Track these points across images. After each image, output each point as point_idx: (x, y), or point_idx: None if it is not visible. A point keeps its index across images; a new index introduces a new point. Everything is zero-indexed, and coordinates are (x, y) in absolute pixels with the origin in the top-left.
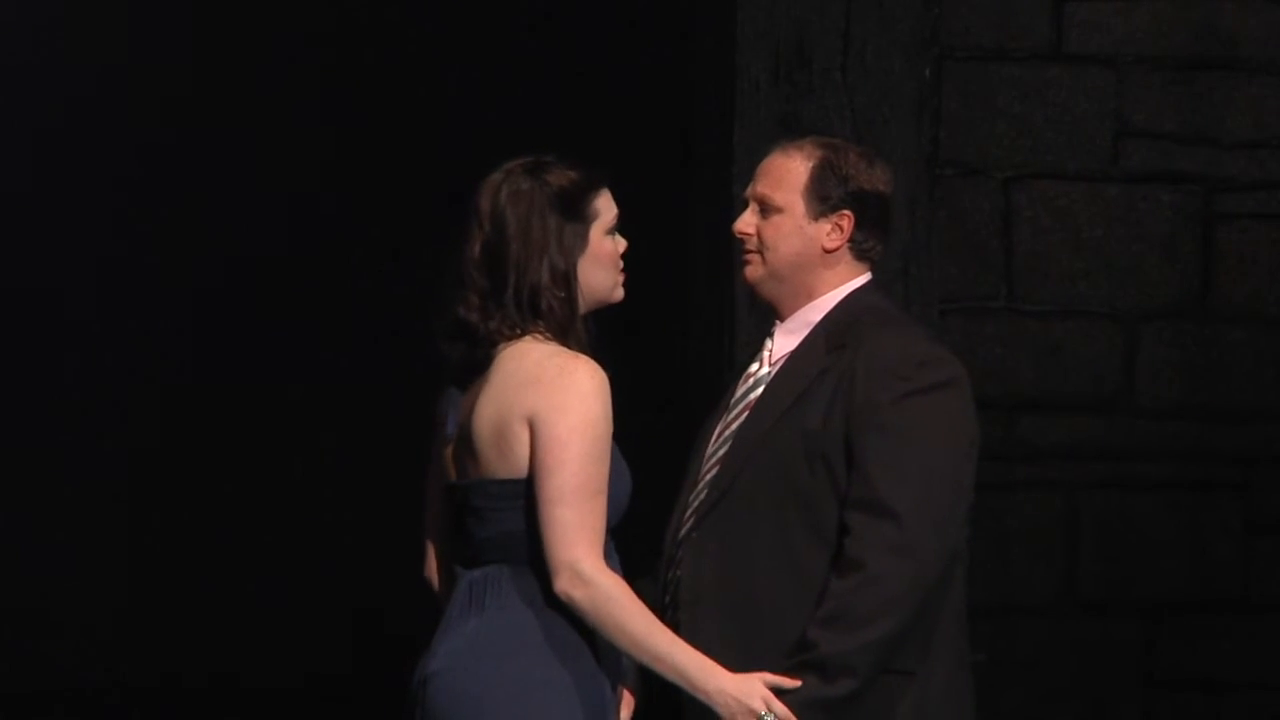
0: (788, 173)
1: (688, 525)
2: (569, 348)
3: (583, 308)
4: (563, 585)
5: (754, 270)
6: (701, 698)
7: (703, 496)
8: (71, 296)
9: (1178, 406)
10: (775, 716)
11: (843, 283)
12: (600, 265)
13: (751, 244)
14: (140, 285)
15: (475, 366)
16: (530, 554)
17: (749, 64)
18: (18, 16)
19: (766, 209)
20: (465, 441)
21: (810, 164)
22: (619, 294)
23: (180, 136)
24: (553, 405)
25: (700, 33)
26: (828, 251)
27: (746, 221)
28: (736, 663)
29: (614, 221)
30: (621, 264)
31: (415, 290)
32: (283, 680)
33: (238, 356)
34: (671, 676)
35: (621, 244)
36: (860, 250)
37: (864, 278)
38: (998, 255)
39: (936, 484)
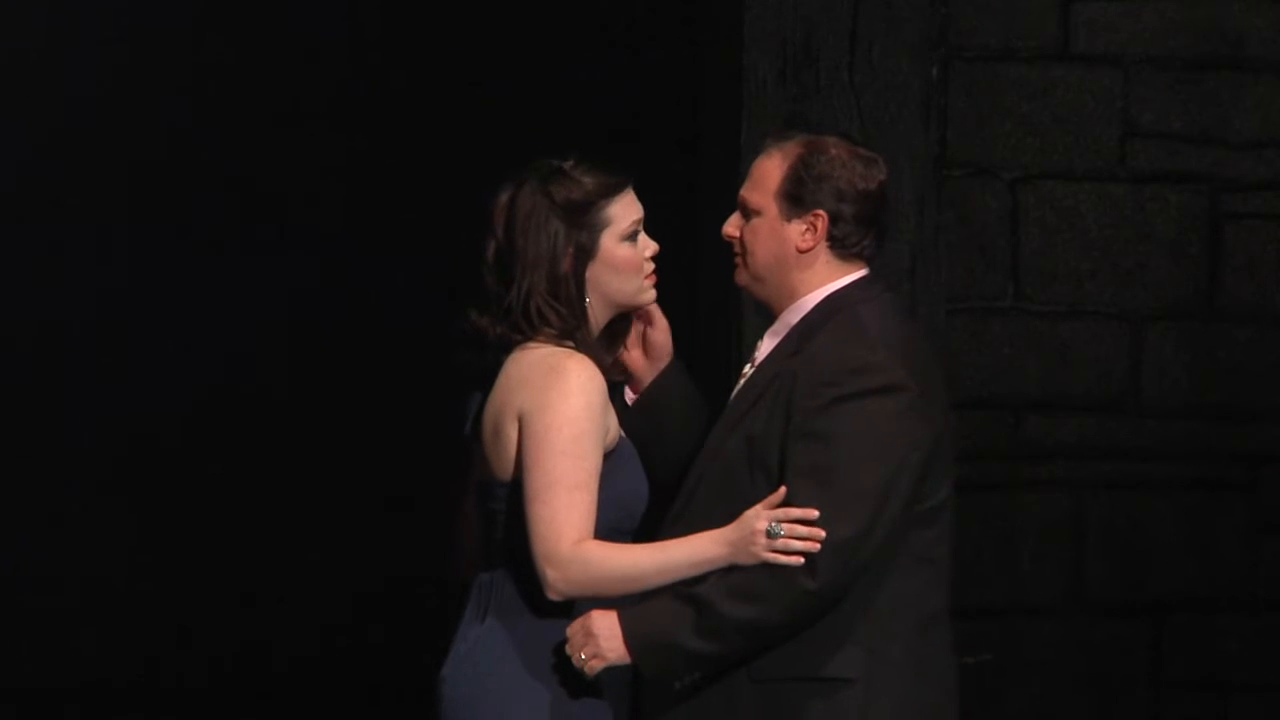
0: (765, 175)
1: (664, 529)
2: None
3: (602, 314)
4: (545, 585)
5: (740, 274)
6: (723, 563)
7: (677, 501)
8: (72, 296)
9: (1185, 406)
10: (777, 521)
11: (825, 283)
12: (615, 271)
13: (737, 247)
14: (141, 285)
15: (489, 370)
16: (530, 554)
17: (756, 64)
18: (17, 17)
19: (747, 212)
20: (478, 443)
21: (785, 165)
22: (646, 297)
23: (185, 137)
24: (537, 403)
25: (707, 32)
26: (802, 252)
27: (732, 224)
28: None
29: (632, 227)
30: (650, 267)
31: (420, 291)
32: (284, 678)
33: (238, 356)
34: (687, 575)
35: (649, 247)
36: (844, 248)
37: (851, 276)
38: (1005, 255)
39: (851, 493)
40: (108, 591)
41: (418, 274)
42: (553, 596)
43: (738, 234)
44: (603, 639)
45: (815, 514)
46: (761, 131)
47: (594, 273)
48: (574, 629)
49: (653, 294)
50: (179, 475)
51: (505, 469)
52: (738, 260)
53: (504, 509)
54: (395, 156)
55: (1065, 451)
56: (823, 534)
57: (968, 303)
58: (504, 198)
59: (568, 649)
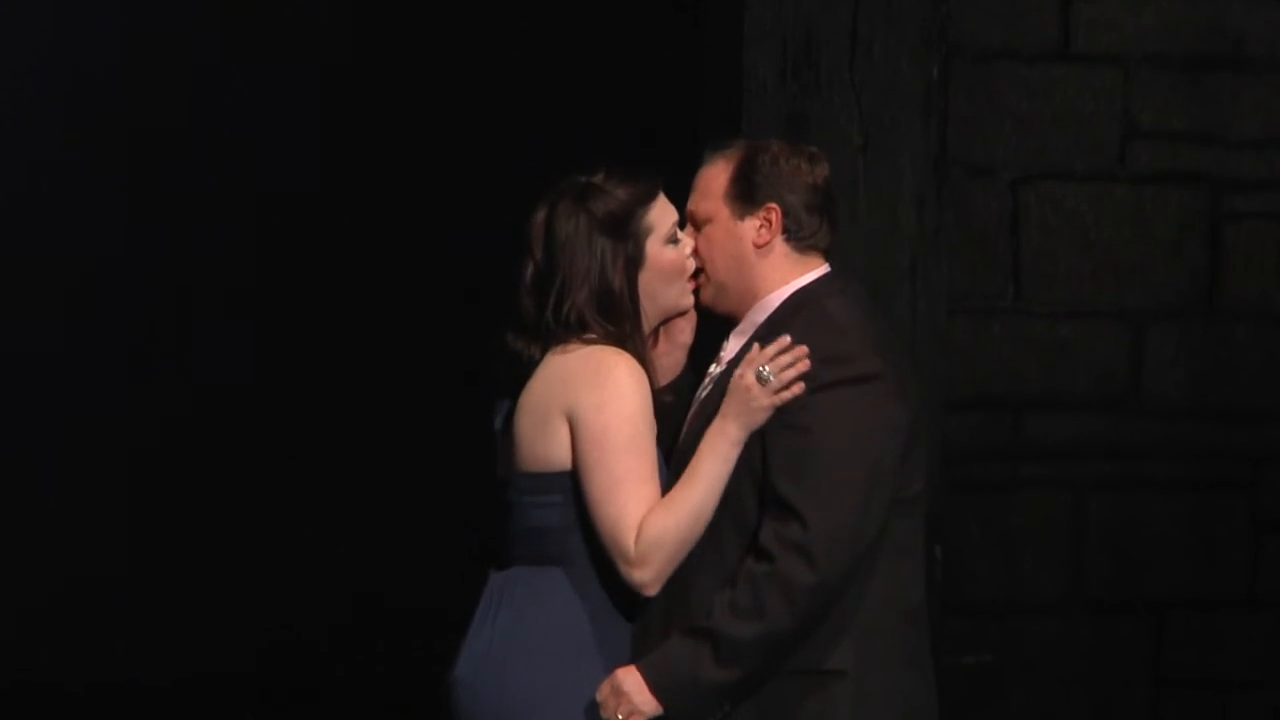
0: (711, 181)
1: None
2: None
3: (650, 321)
4: (637, 587)
5: (705, 292)
6: (743, 437)
7: None
8: (72, 296)
9: (1185, 406)
10: (765, 369)
11: (788, 280)
12: (663, 277)
13: (697, 261)
14: (141, 284)
15: (522, 380)
16: (551, 552)
17: (756, 63)
18: (17, 16)
19: (698, 223)
20: (508, 437)
21: (731, 167)
22: (686, 302)
23: (184, 137)
24: (590, 402)
25: (708, 31)
26: (759, 247)
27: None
28: None
29: (671, 229)
30: (693, 266)
31: (420, 290)
32: (287, 678)
33: (238, 356)
34: (727, 474)
35: (687, 246)
36: (799, 240)
37: (816, 272)
38: (1005, 255)
39: (840, 482)
40: (107, 594)
41: (421, 276)
42: (650, 593)
43: (694, 248)
44: (634, 695)
45: (788, 339)
46: (762, 132)
47: (643, 281)
48: (603, 693)
49: (691, 299)
50: (178, 478)
51: (541, 461)
52: (703, 281)
53: (530, 501)
54: (388, 156)
55: (1065, 451)
56: (806, 350)
57: (968, 302)
58: (539, 218)
59: (602, 714)
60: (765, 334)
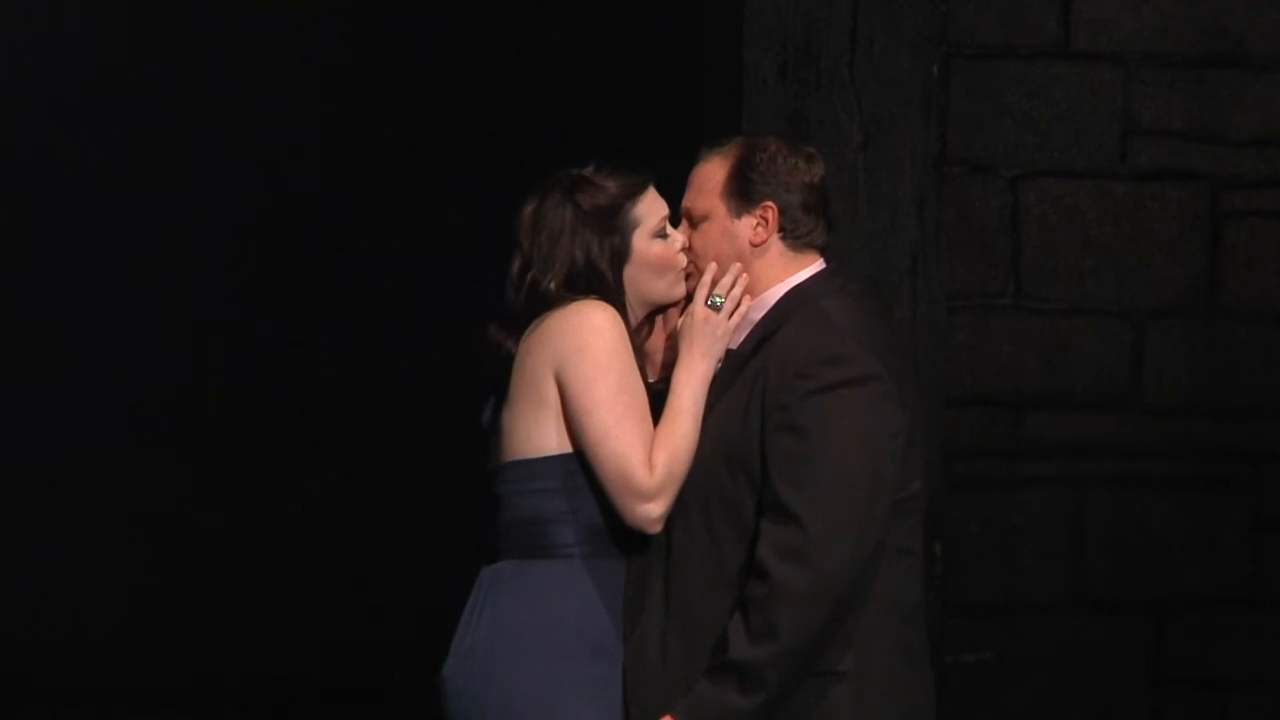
0: (707, 179)
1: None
2: None
3: (639, 313)
4: (645, 521)
5: (694, 284)
6: (710, 363)
7: None
8: (72, 296)
9: (1185, 404)
10: (719, 297)
11: (783, 277)
12: (650, 270)
13: (691, 259)
14: (141, 284)
15: (505, 376)
16: (540, 543)
17: (757, 61)
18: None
19: (694, 220)
20: (496, 430)
21: (728, 164)
22: (678, 292)
23: (184, 135)
24: (570, 348)
25: (708, 30)
26: (755, 246)
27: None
28: (678, 665)
29: (660, 224)
30: (684, 260)
31: (418, 289)
32: (294, 678)
33: (238, 356)
34: (703, 398)
35: (677, 241)
36: (795, 239)
37: (811, 269)
38: (1005, 253)
39: (841, 484)
40: (102, 592)
41: (419, 277)
42: (656, 530)
43: (686, 244)
44: None
45: (715, 266)
46: (763, 130)
47: (630, 274)
48: None
49: (682, 290)
50: (178, 475)
51: (530, 444)
52: (689, 269)
53: (518, 489)
54: (387, 154)
55: (1066, 449)
56: (740, 265)
57: (968, 300)
58: (529, 210)
59: None
60: (762, 332)
